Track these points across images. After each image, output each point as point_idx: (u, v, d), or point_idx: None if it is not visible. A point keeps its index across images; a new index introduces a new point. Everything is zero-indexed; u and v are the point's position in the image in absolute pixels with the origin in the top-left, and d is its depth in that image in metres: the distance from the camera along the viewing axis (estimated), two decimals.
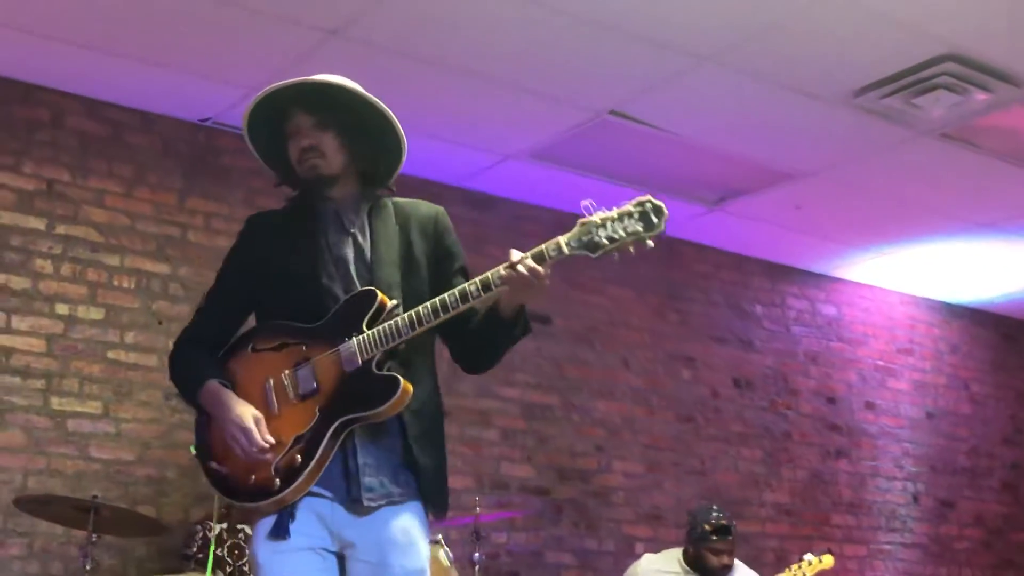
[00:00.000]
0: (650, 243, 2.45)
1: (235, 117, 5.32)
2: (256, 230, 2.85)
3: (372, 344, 2.57)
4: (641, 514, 6.47)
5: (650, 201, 2.46)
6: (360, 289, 2.65)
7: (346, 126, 2.74)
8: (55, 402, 4.90)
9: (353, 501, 2.60)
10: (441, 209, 2.86)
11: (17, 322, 4.88)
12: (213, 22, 4.51)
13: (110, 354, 5.04)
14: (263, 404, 2.63)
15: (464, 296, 2.52)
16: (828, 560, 5.14)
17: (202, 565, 4.60)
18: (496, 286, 2.51)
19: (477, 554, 4.95)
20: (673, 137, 5.52)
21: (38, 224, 5.00)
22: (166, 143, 5.37)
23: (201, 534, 4.67)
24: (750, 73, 4.86)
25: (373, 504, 2.60)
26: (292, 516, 2.58)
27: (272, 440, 2.57)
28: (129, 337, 5.08)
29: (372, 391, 2.56)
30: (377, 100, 2.73)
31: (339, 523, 2.61)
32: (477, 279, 2.54)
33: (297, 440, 2.57)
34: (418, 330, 2.55)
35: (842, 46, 4.62)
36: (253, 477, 2.59)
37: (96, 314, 5.04)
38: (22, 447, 4.81)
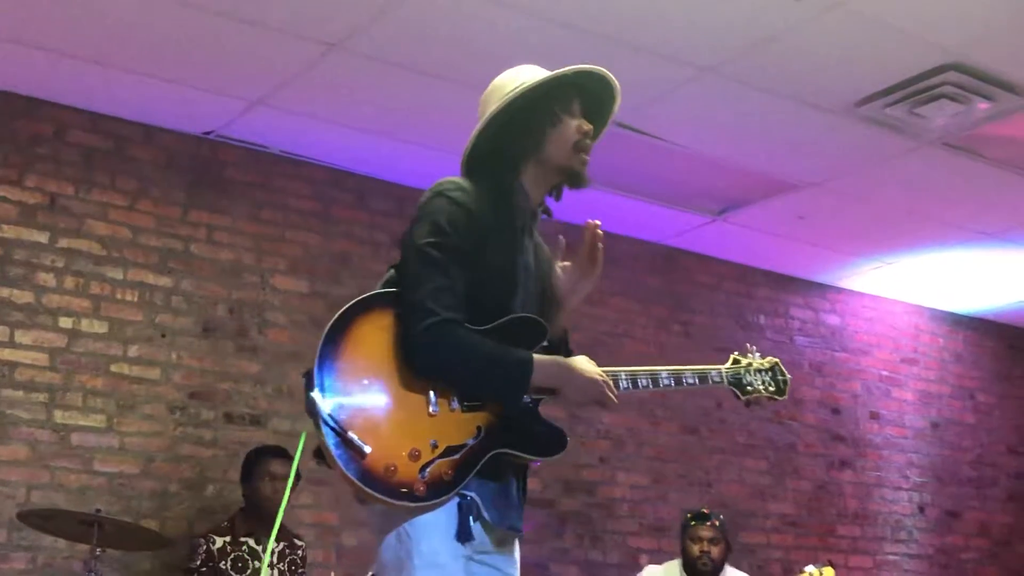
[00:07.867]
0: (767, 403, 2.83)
1: (238, 130, 5.33)
2: (473, 208, 2.47)
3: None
4: (646, 526, 6.45)
5: (783, 370, 2.88)
6: (536, 318, 2.57)
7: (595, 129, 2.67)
8: (58, 416, 4.89)
9: (512, 530, 2.48)
10: None
11: (20, 336, 4.88)
12: (215, 36, 4.51)
13: (113, 367, 5.03)
14: (424, 399, 2.35)
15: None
16: (829, 573, 5.13)
17: None
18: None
19: None
20: (676, 148, 5.52)
21: (41, 238, 5.00)
22: (169, 156, 5.37)
23: (204, 547, 4.66)
24: (753, 84, 4.86)
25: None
26: (477, 517, 2.37)
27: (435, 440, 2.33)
28: (132, 350, 5.06)
29: (540, 436, 2.52)
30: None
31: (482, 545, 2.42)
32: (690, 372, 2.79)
33: (450, 451, 2.33)
34: None
35: (844, 56, 4.62)
36: (395, 470, 2.27)
37: (99, 327, 5.04)
38: (26, 461, 4.80)
